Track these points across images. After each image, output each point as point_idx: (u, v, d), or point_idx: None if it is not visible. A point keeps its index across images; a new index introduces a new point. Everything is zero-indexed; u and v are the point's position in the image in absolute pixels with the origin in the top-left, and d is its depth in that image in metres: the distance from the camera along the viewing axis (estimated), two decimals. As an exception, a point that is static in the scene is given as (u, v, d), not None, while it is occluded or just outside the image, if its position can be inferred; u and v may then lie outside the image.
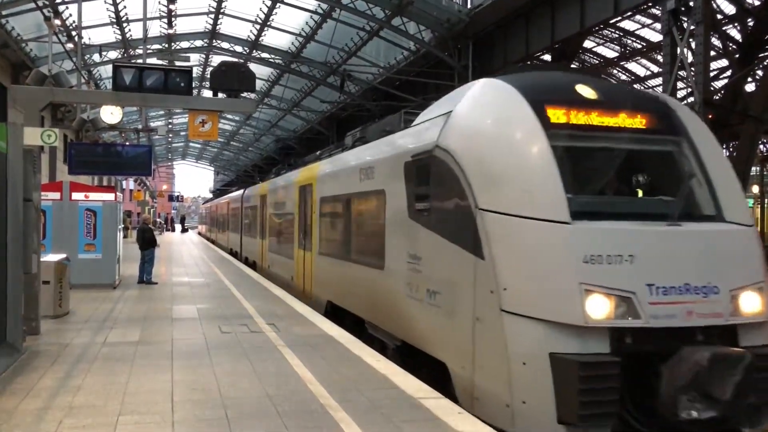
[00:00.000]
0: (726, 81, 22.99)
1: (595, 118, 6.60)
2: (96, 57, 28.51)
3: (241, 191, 30.12)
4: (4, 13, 19.15)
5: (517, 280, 5.92)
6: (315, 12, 26.34)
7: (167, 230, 66.05)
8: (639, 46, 31.51)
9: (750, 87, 23.28)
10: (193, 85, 11.59)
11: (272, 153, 54.94)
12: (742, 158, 17.07)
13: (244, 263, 23.69)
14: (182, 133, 55.37)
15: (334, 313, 11.30)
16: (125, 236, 24.19)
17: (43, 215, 11.64)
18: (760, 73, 22.29)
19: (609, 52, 33.13)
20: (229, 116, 48.78)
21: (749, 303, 5.97)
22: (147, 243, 16.13)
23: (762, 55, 20.85)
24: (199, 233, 61.23)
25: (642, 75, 35.08)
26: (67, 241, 14.00)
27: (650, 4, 20.40)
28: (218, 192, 62.36)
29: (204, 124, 10.74)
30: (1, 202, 7.65)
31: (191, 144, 69.69)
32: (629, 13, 24.46)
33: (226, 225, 34.77)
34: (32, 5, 18.42)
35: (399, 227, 8.17)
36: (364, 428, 5.21)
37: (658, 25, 25.57)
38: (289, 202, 16.00)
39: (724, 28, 21.87)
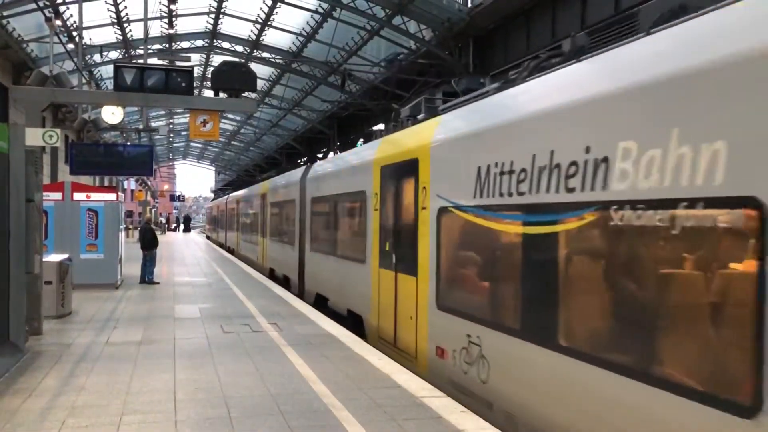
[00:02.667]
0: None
1: None
2: (97, 57, 28.52)
3: (294, 174, 17.85)
4: (5, 13, 19.14)
5: None
6: (315, 11, 26.34)
7: (170, 230, 66.13)
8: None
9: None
10: (194, 85, 11.60)
11: (273, 153, 54.91)
12: None
13: (313, 305, 12.65)
14: (183, 133, 55.38)
15: None
16: (126, 236, 24.19)
17: (45, 216, 11.66)
18: None
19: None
20: (230, 116, 48.78)
21: None
22: (149, 243, 16.16)
23: None
24: (208, 237, 53.58)
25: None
26: (69, 241, 14.05)
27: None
28: (234, 185, 52.65)
29: (205, 124, 10.75)
30: (3, 202, 7.67)
31: (192, 144, 69.67)
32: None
33: (260, 229, 23.01)
34: (33, 6, 18.43)
35: None
36: (367, 427, 5.21)
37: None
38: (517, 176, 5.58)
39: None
